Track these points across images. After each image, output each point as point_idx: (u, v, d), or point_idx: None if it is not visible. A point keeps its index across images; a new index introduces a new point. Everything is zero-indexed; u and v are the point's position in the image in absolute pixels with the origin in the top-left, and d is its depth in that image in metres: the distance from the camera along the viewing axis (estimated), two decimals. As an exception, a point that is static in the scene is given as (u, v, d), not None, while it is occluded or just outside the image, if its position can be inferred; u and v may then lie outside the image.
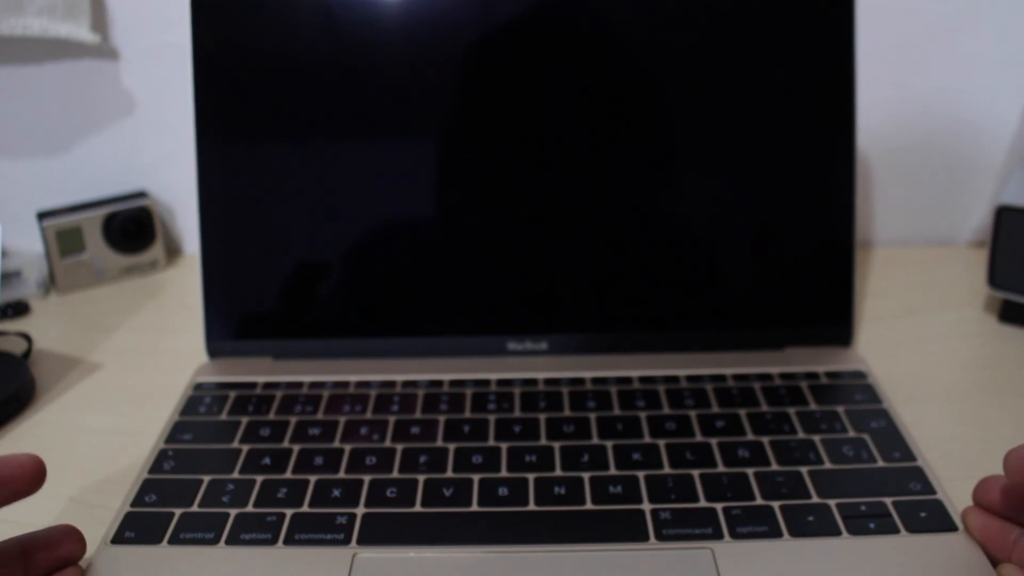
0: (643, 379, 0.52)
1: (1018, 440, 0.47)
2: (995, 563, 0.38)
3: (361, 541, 0.40)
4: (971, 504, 0.40)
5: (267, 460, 0.46)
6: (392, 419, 0.49)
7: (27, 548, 0.36)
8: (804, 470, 0.44)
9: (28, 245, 0.72)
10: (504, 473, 0.44)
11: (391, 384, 0.52)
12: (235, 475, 0.45)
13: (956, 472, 0.44)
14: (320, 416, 0.49)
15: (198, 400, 0.51)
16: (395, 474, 0.44)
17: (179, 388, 0.53)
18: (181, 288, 0.69)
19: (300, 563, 0.39)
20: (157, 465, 0.45)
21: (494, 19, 0.52)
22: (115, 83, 0.69)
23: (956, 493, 0.42)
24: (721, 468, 0.44)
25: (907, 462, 0.44)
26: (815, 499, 0.42)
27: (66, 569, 0.38)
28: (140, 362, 0.59)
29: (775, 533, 0.40)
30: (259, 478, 0.44)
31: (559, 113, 0.53)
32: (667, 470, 0.44)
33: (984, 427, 0.49)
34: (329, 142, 0.54)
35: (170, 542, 0.40)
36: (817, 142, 0.54)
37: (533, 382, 0.52)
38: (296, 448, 0.47)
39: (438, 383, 0.52)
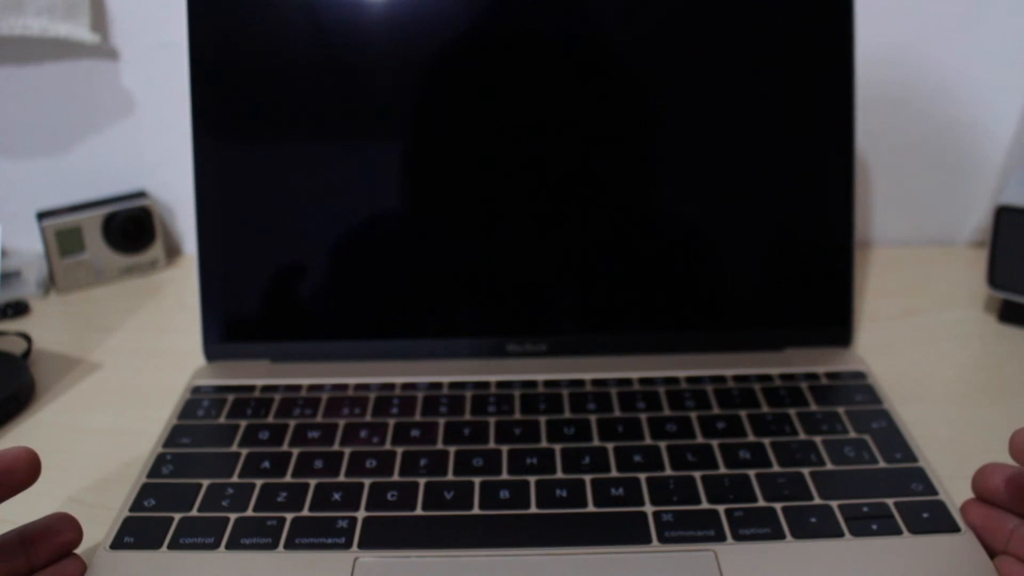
0: (643, 380, 0.52)
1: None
2: (992, 554, 0.38)
3: (362, 545, 0.40)
4: (971, 497, 0.40)
5: (266, 464, 0.46)
6: (392, 422, 0.49)
7: (26, 538, 0.37)
8: (806, 471, 0.44)
9: (28, 245, 0.72)
10: (505, 476, 0.44)
11: (390, 387, 0.52)
12: (234, 479, 0.44)
13: (957, 472, 0.44)
14: (319, 419, 0.49)
15: (196, 403, 0.51)
16: (395, 477, 0.44)
17: (179, 388, 0.53)
18: (181, 288, 0.69)
19: (301, 567, 0.39)
20: (155, 469, 0.45)
21: (497, 20, 0.52)
22: (115, 83, 0.69)
23: (957, 493, 0.42)
24: (723, 470, 0.44)
25: (908, 463, 0.44)
26: (817, 500, 0.42)
27: (68, 560, 0.38)
28: (140, 362, 0.59)
29: (778, 535, 0.40)
30: (258, 482, 0.44)
31: (557, 114, 0.53)
32: (668, 472, 0.44)
33: (984, 427, 0.49)
34: (326, 143, 0.54)
35: (170, 547, 0.40)
36: (816, 142, 0.53)
37: (533, 384, 0.52)
38: (295, 451, 0.46)
39: (437, 385, 0.52)
